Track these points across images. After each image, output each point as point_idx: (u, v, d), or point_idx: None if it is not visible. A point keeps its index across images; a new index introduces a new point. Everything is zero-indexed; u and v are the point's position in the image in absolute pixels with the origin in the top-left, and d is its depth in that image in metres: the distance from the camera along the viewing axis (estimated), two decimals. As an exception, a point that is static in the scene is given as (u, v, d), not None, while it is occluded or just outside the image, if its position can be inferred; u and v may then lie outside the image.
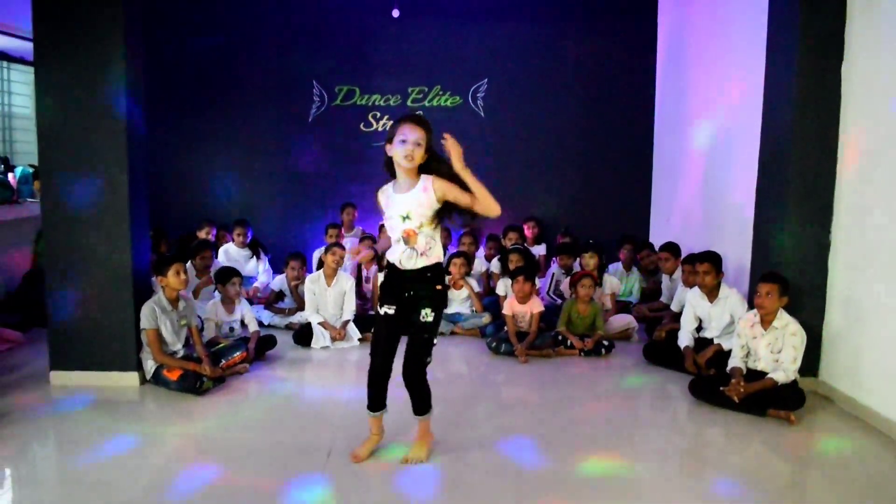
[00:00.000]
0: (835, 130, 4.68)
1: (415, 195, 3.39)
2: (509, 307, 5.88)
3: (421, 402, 3.62)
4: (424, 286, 3.48)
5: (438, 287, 3.51)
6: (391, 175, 3.52)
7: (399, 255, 3.44)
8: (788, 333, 4.42)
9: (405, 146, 3.32)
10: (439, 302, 3.53)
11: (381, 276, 6.38)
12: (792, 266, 4.78)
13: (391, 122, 8.27)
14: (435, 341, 3.55)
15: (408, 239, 3.40)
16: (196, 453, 3.81)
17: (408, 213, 3.39)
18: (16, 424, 4.15)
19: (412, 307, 3.50)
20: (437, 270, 3.52)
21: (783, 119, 4.84)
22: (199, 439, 4.01)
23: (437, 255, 3.49)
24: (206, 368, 4.73)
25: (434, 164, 3.43)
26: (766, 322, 4.50)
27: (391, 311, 3.51)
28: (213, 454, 3.78)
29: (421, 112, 8.30)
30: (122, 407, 4.51)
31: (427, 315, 3.47)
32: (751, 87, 5.56)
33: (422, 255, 3.43)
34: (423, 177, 3.41)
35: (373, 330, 3.67)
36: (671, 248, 6.60)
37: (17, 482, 3.52)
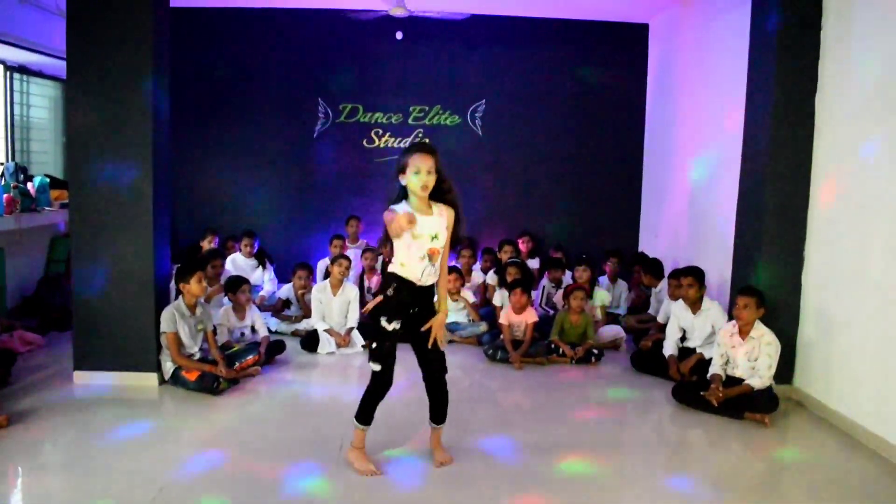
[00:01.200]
0: (808, 155, 5.06)
1: (438, 219, 3.64)
2: (506, 317, 6.21)
3: (445, 408, 3.90)
4: (429, 302, 3.78)
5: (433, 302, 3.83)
6: (403, 198, 3.66)
7: (421, 272, 3.61)
8: (764, 343, 4.76)
9: (419, 177, 3.52)
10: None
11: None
12: (768, 282, 5.13)
13: (393, 138, 8.67)
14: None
15: (432, 256, 3.62)
16: (214, 444, 4.13)
17: (437, 233, 3.61)
18: (44, 420, 4.44)
19: (416, 322, 3.72)
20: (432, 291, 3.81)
21: (761, 144, 5.20)
22: (217, 432, 4.34)
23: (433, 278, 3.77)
24: (221, 370, 5.04)
25: (442, 183, 3.68)
26: (743, 332, 4.85)
27: (398, 327, 3.65)
28: (231, 445, 4.11)
29: (422, 134, 8.68)
30: (143, 404, 4.82)
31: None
32: (734, 116, 5.93)
33: (432, 274, 3.69)
34: (435, 204, 3.66)
35: (375, 345, 3.69)
36: (654, 268, 7.02)
37: (45, 470, 3.82)
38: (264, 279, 7.74)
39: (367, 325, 6.56)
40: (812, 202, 5.07)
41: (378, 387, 3.73)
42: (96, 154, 5.00)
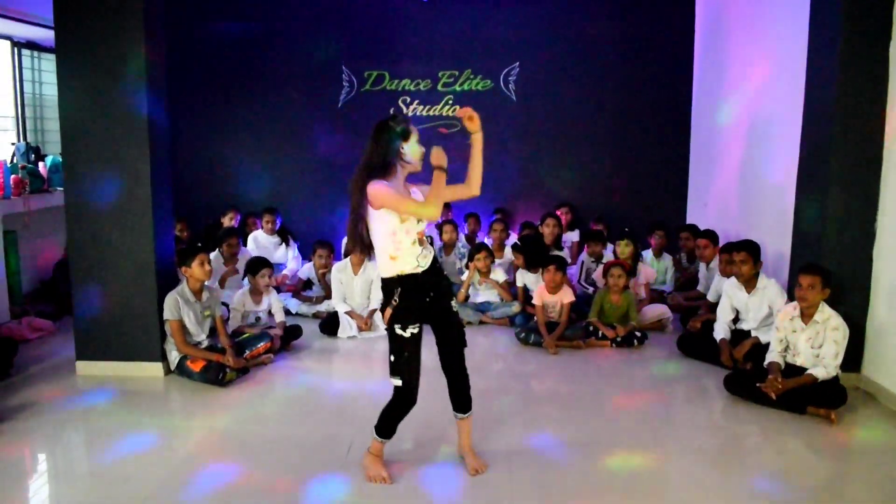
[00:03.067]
0: (881, 113, 4.45)
1: (420, 196, 3.31)
2: (539, 297, 5.74)
3: (468, 394, 3.46)
4: (440, 280, 3.36)
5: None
6: (387, 173, 3.22)
7: (417, 259, 3.24)
8: (830, 328, 4.21)
9: (422, 149, 3.27)
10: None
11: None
12: (834, 256, 4.58)
13: (422, 106, 8.19)
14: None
15: (422, 241, 3.27)
16: (216, 449, 3.78)
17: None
18: (43, 414, 4.18)
19: (437, 305, 3.33)
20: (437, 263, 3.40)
21: (826, 101, 4.61)
22: (219, 434, 3.98)
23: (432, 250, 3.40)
24: (229, 359, 4.69)
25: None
26: (806, 315, 4.30)
27: (416, 331, 3.26)
28: (233, 450, 3.76)
29: (452, 101, 8.19)
30: (146, 398, 4.51)
31: (455, 305, 3.40)
32: (792, 67, 5.31)
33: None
34: (407, 184, 3.31)
35: (394, 355, 3.29)
36: (710, 235, 6.39)
37: (43, 471, 3.56)
38: (288, 257, 7.42)
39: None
40: (885, 169, 4.46)
41: (400, 403, 3.33)
42: (90, 134, 4.68)
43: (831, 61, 4.54)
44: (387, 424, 3.38)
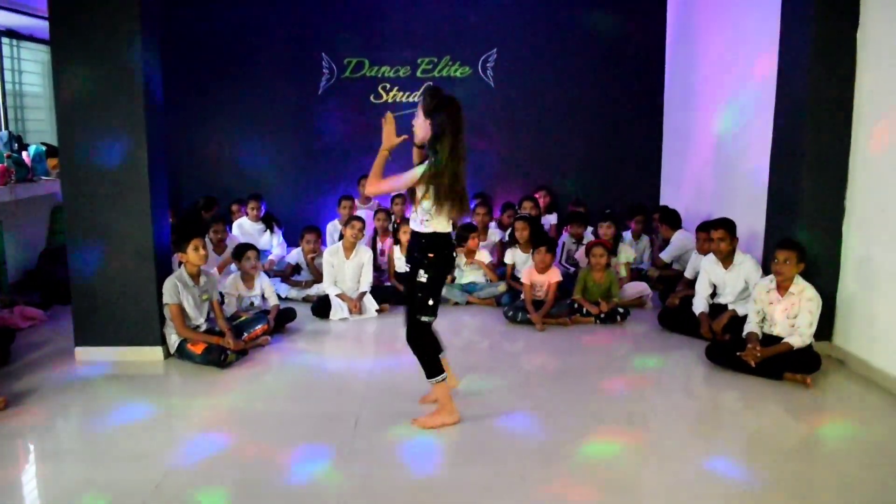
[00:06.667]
0: (850, 95, 4.69)
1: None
2: (527, 276, 5.93)
3: (423, 364, 3.76)
4: (421, 251, 3.68)
5: (431, 255, 3.66)
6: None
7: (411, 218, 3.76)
8: (805, 299, 4.46)
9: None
10: (432, 267, 3.67)
11: (397, 249, 6.52)
12: (807, 231, 4.81)
13: (401, 93, 8.30)
14: (430, 302, 3.68)
15: (413, 198, 3.73)
16: (223, 424, 3.89)
17: (415, 175, 3.64)
18: (44, 400, 4.22)
19: (413, 269, 3.74)
20: (432, 240, 3.65)
21: (798, 86, 4.84)
22: (225, 410, 4.09)
23: (432, 227, 3.63)
24: (229, 342, 4.80)
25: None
26: (782, 288, 4.55)
27: (407, 269, 3.83)
28: (238, 425, 3.87)
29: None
30: (147, 380, 4.60)
31: (421, 275, 3.68)
32: (765, 53, 5.55)
33: (421, 223, 3.66)
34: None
35: (433, 299, 3.72)
36: (670, 217, 6.89)
37: (45, 454, 3.61)
38: (273, 243, 7.50)
39: (381, 289, 6.33)
40: (854, 147, 4.71)
41: (430, 334, 3.76)
42: (86, 122, 4.71)
43: (803, 45, 4.77)
44: (434, 362, 3.73)
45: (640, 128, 8.53)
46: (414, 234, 3.72)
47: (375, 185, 3.69)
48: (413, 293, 3.73)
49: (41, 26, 7.11)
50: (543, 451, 3.54)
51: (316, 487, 3.21)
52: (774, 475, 3.29)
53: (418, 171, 3.55)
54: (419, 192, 3.60)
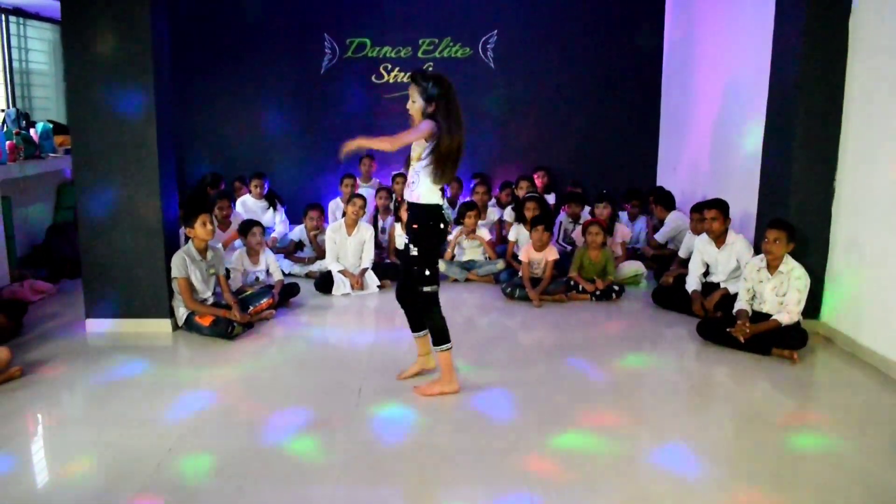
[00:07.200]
0: (841, 81, 4.81)
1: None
2: (525, 254, 6.07)
3: (431, 332, 3.94)
4: (408, 223, 3.84)
5: (415, 226, 3.79)
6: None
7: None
8: (793, 277, 4.60)
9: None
10: (420, 240, 3.80)
11: (398, 227, 6.66)
12: (797, 212, 4.95)
13: (402, 73, 8.40)
14: (427, 272, 3.82)
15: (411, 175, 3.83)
16: (229, 392, 4.05)
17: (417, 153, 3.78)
18: (57, 370, 4.37)
19: (408, 242, 3.89)
20: (416, 210, 3.78)
21: (790, 69, 4.96)
22: (231, 380, 4.25)
23: (417, 194, 3.75)
24: (235, 314, 4.95)
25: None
26: (772, 267, 4.69)
27: (406, 241, 3.91)
28: (246, 393, 4.03)
29: (432, 67, 8.39)
30: (156, 352, 4.75)
31: (412, 249, 3.83)
32: (759, 36, 5.66)
33: (409, 186, 3.81)
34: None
35: (430, 269, 3.86)
36: (664, 199, 7.01)
37: (60, 425, 3.76)
38: (276, 221, 7.63)
39: (382, 265, 6.47)
40: (844, 129, 4.83)
41: (437, 304, 3.91)
42: (96, 91, 4.81)
43: (795, 30, 4.88)
44: (443, 331, 3.89)
45: (638, 110, 8.65)
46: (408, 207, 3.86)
47: (396, 140, 3.63)
48: (409, 266, 3.87)
49: (47, 4, 7.20)
50: (529, 424, 3.64)
51: (305, 454, 3.33)
52: (760, 449, 3.39)
53: (431, 125, 3.61)
54: (418, 149, 3.72)
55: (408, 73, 8.37)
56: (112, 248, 4.98)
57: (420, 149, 3.70)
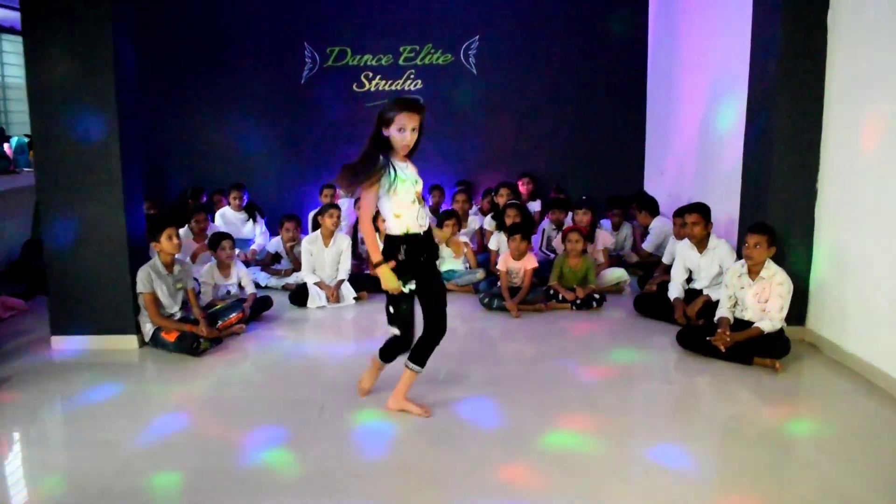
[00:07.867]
0: (821, 79, 4.68)
1: (412, 166, 3.59)
2: (504, 263, 5.93)
3: (432, 349, 3.78)
4: (430, 245, 3.63)
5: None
6: (378, 151, 3.45)
7: (416, 216, 3.52)
8: (775, 283, 4.46)
9: (403, 136, 3.42)
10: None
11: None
12: (779, 216, 4.81)
13: (384, 81, 8.29)
14: (390, 309, 3.68)
15: (419, 199, 3.56)
16: (191, 409, 3.93)
17: (417, 179, 3.56)
18: (18, 389, 4.25)
19: (427, 268, 3.62)
20: (385, 244, 3.63)
21: (769, 69, 4.83)
22: (195, 397, 4.12)
23: (387, 227, 3.61)
24: (202, 329, 4.82)
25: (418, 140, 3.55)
26: (753, 272, 4.55)
27: (413, 287, 3.56)
28: (208, 410, 3.91)
29: (413, 74, 8.29)
30: (121, 368, 4.62)
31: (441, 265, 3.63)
32: (740, 38, 5.53)
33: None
34: (405, 158, 3.57)
35: (393, 307, 3.63)
36: (649, 205, 6.96)
37: (13, 441, 3.64)
38: (256, 232, 7.51)
39: (359, 277, 6.34)
40: (825, 131, 4.70)
41: (401, 345, 3.78)
42: (59, 110, 4.73)
43: (774, 29, 4.75)
44: (391, 355, 3.85)
45: (623, 115, 8.51)
46: (423, 231, 3.60)
47: (364, 213, 3.58)
48: (443, 288, 3.76)
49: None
50: (506, 435, 3.55)
51: (274, 471, 3.24)
52: (737, 461, 3.29)
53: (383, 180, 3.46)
54: (419, 185, 3.60)
55: (390, 81, 8.31)
56: (77, 265, 4.87)
57: (420, 184, 3.60)
